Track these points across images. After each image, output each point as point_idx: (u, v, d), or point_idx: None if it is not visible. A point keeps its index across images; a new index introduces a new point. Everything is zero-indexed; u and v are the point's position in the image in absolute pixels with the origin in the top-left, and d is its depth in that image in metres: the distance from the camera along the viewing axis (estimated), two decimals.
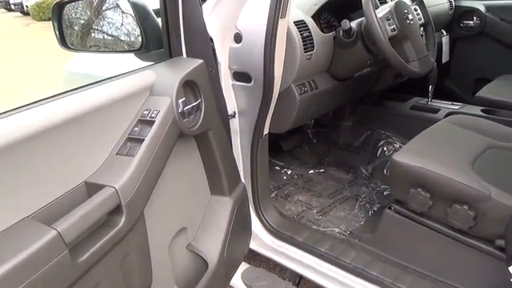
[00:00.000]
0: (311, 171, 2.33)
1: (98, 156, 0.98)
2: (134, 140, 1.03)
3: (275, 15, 1.45)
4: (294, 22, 1.59)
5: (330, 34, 1.72)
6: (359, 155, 2.27)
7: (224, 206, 1.45)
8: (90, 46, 1.36)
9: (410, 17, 1.68)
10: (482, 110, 2.08)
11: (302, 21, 1.62)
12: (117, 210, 0.93)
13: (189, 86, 1.20)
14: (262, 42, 1.50)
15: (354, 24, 1.67)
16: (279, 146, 2.35)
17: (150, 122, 1.06)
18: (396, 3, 1.67)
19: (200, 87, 1.24)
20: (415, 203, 1.47)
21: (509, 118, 1.94)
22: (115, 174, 0.96)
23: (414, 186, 1.46)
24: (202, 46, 1.43)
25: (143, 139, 1.03)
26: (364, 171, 2.21)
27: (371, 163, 2.21)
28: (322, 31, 1.71)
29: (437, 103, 2.23)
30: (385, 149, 2.19)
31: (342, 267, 1.62)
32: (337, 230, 1.81)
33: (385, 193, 2.05)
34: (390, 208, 1.60)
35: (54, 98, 0.92)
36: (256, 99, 1.64)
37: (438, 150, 1.56)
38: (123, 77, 1.11)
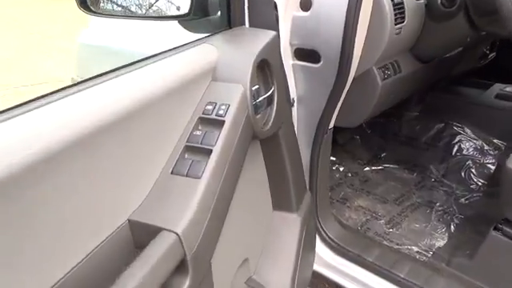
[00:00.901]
0: (367, 168, 1.97)
1: (144, 177, 0.64)
2: (197, 150, 0.68)
3: None
4: None
5: (422, 0, 1.33)
6: (428, 152, 1.90)
7: (291, 226, 1.12)
8: (118, 9, 1.00)
9: None
10: None
11: None
12: (180, 268, 0.59)
13: (260, 68, 0.84)
14: (341, 10, 1.13)
15: None
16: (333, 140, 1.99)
17: (218, 123, 0.71)
18: None
19: (273, 70, 0.89)
20: None
21: None
22: (174, 207, 0.61)
23: None
24: (267, 13, 1.06)
25: (211, 150, 0.68)
26: (435, 171, 1.85)
27: (444, 162, 1.84)
28: None
29: None
30: (462, 146, 1.82)
31: None
32: (415, 248, 1.47)
33: (463, 200, 1.69)
34: (497, 229, 1.24)
35: (66, 91, 0.57)
36: (324, 84, 1.28)
37: None
38: (170, 54, 0.76)
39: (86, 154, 0.53)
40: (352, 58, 1.20)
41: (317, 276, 1.51)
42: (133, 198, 0.62)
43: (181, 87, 0.70)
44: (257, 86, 0.82)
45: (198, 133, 0.70)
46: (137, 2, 1.04)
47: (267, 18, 1.06)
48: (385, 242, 1.51)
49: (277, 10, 1.18)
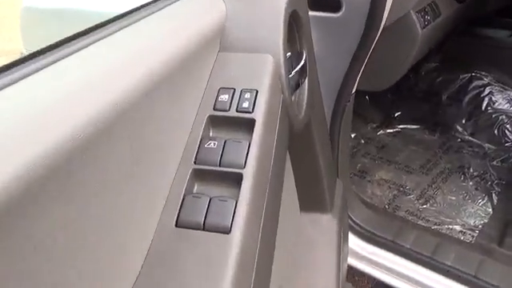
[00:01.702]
0: (380, 131, 1.72)
1: (133, 236, 0.36)
2: (215, 177, 0.40)
3: None
4: None
5: None
6: (452, 108, 1.65)
7: (327, 231, 0.87)
8: None
9: None
10: None
11: None
12: None
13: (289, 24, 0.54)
14: None
15: None
16: None
17: (245, 125, 0.42)
18: None
19: (304, 27, 0.59)
20: None
21: None
22: None
23: None
24: None
25: (240, 175, 0.39)
26: (461, 130, 1.61)
27: (472, 119, 1.60)
28: None
29: None
30: (493, 99, 1.57)
31: None
32: (457, 227, 1.25)
33: (499, 162, 1.47)
34: None
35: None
36: (347, 38, 1.00)
37: None
38: (147, 14, 0.45)
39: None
40: (386, 2, 0.91)
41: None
42: (118, 272, 0.34)
43: (170, 67, 0.40)
44: (289, 54, 0.53)
45: (212, 144, 0.42)
46: None
47: None
48: (420, 222, 1.28)
49: None
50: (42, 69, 0.32)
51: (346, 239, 1.04)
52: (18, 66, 0.31)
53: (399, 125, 1.74)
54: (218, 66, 0.46)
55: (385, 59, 1.06)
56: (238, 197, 0.38)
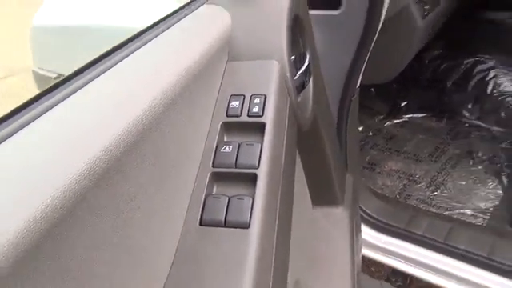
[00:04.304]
0: (388, 122, 1.74)
1: (162, 236, 0.39)
2: (232, 178, 0.43)
3: None
4: None
5: None
6: (457, 94, 1.66)
7: (339, 223, 0.89)
8: None
9: None
10: None
11: None
12: None
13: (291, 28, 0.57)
14: None
15: None
16: None
17: (256, 128, 0.45)
18: None
19: (306, 30, 0.62)
20: None
21: None
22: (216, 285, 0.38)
23: None
24: None
25: (255, 174, 0.42)
26: (468, 115, 1.62)
27: (478, 103, 1.61)
28: None
29: None
30: (499, 81, 1.58)
31: (501, 272, 1.10)
32: (468, 211, 1.27)
33: (508, 144, 1.48)
34: None
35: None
36: (348, 35, 1.02)
37: None
38: (159, 30, 0.48)
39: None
40: None
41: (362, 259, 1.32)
42: (150, 273, 0.38)
43: (183, 81, 0.43)
44: (293, 57, 0.56)
45: (228, 149, 0.45)
46: None
47: None
48: (431, 209, 1.30)
49: None
50: (77, 90, 0.35)
51: (358, 231, 1.06)
52: (53, 92, 0.35)
53: (406, 114, 1.75)
54: (228, 75, 0.49)
55: (387, 51, 1.08)
56: (254, 194, 0.41)
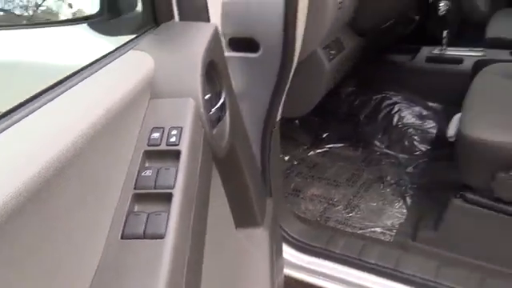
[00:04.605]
0: (311, 152, 1.90)
1: (85, 250, 0.46)
2: (152, 198, 0.51)
3: None
4: None
5: None
6: (369, 126, 1.87)
7: (259, 242, 0.99)
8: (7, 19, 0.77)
9: None
10: (511, 53, 1.76)
11: None
12: None
13: (206, 71, 0.68)
14: None
15: None
16: None
17: (172, 155, 0.54)
18: None
19: (222, 71, 0.73)
20: (506, 190, 1.11)
21: None
22: None
23: (504, 169, 1.09)
24: (196, 2, 0.89)
25: (170, 194, 0.51)
26: (379, 144, 1.82)
27: (387, 134, 1.82)
28: None
29: (453, 51, 1.87)
30: (402, 115, 1.81)
31: (405, 282, 1.25)
32: (378, 229, 1.42)
33: (411, 169, 1.69)
34: (458, 196, 1.23)
35: None
36: (267, 75, 1.15)
37: (510, 114, 1.20)
38: (87, 73, 0.56)
39: None
40: (295, 41, 1.08)
41: (285, 279, 1.41)
42: (72, 285, 0.44)
43: (110, 116, 0.52)
44: (209, 95, 0.66)
45: (148, 173, 0.53)
46: (23, 4, 0.81)
47: (197, 8, 0.89)
48: (348, 229, 1.45)
49: None
50: (14, 124, 0.42)
51: (279, 252, 1.16)
52: None
53: (327, 144, 1.93)
54: (150, 111, 0.58)
55: (301, 90, 1.23)
56: (169, 210, 0.50)
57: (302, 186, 1.68)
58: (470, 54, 1.81)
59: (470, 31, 2.16)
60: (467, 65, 1.74)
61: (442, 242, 1.29)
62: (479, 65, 1.62)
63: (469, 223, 1.23)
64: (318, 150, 1.90)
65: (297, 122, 2.01)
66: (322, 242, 1.38)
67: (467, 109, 1.25)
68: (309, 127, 2.00)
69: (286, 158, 1.86)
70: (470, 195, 1.20)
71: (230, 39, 1.14)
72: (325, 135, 1.96)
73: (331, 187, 1.66)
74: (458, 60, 1.80)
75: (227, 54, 1.17)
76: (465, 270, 1.22)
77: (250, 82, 1.18)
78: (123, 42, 0.69)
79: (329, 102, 1.98)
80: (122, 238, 0.48)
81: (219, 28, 1.11)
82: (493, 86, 1.37)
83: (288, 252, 1.38)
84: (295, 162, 1.84)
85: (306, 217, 1.51)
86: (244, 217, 0.95)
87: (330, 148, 1.90)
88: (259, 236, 0.99)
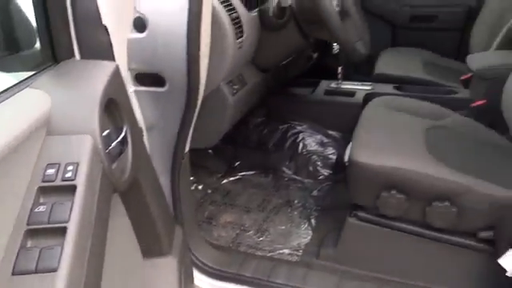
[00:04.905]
0: (224, 180, 1.97)
1: None
2: (45, 233, 0.53)
3: None
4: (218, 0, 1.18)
5: (255, 12, 1.36)
6: (277, 154, 1.99)
7: (167, 271, 1.02)
8: None
9: None
10: (394, 88, 2.01)
11: None
12: None
13: (106, 108, 0.72)
14: (181, 28, 1.06)
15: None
16: None
17: (68, 190, 0.57)
18: None
19: (122, 108, 0.77)
20: (389, 207, 1.26)
21: (420, 93, 1.91)
22: None
23: (386, 189, 1.24)
24: (99, 40, 0.93)
25: (64, 227, 0.53)
26: (287, 171, 1.95)
27: (293, 161, 1.96)
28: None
29: (348, 85, 2.09)
30: (306, 143, 1.96)
31: None
32: (286, 251, 1.51)
33: (316, 192, 1.83)
34: (351, 215, 1.37)
35: None
36: (174, 108, 1.20)
37: (394, 141, 1.38)
38: None
39: None
40: (199, 77, 1.15)
41: None
42: None
43: (3, 153, 0.53)
44: (107, 131, 0.70)
45: (42, 208, 0.55)
46: None
47: (100, 46, 0.93)
48: (258, 253, 1.51)
49: (109, 34, 1.05)
50: None
51: (189, 279, 1.19)
52: None
53: (240, 172, 2.01)
54: (45, 148, 0.60)
55: (208, 121, 1.30)
56: (63, 244, 0.52)
57: (215, 214, 1.73)
58: (360, 88, 2.05)
59: (364, 66, 2.46)
60: (359, 97, 1.97)
61: (341, 258, 1.41)
62: (368, 97, 1.84)
63: (362, 239, 1.37)
64: (231, 178, 1.97)
65: (210, 151, 2.07)
66: (234, 267, 1.43)
67: (356, 137, 1.41)
68: (222, 156, 2.08)
69: (200, 187, 1.90)
70: (361, 213, 1.34)
71: (136, 74, 1.18)
72: (237, 163, 2.05)
73: (243, 213, 1.73)
74: (351, 93, 2.02)
75: (134, 88, 1.21)
76: (362, 282, 1.34)
77: (158, 115, 1.23)
78: (21, 79, 0.70)
79: (240, 131, 2.09)
80: (12, 274, 0.49)
81: (124, 64, 1.16)
82: (377, 116, 1.56)
83: (200, 279, 1.41)
84: (209, 191, 1.89)
85: (218, 243, 1.55)
86: (151, 246, 0.97)
87: (242, 176, 1.98)
88: (167, 264, 1.01)
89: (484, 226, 1.22)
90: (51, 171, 0.57)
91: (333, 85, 2.10)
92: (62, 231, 0.53)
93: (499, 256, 1.16)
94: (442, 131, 1.49)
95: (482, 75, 1.69)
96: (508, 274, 1.15)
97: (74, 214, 0.54)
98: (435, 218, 1.23)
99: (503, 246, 1.17)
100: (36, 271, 0.49)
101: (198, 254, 1.44)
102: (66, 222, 0.53)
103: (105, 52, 0.95)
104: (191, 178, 1.89)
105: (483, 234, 1.22)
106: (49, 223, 0.53)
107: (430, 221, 1.24)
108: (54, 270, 0.50)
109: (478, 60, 1.76)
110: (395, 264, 1.35)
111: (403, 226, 1.29)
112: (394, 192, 1.23)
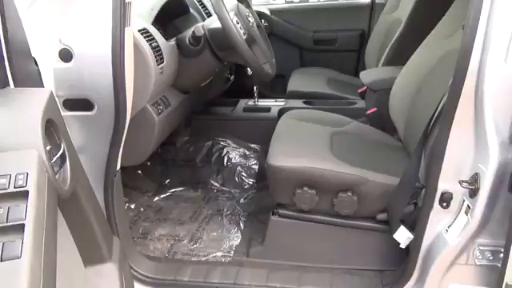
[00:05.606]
0: (156, 198, 2.06)
1: None
2: (6, 230, 0.63)
3: (120, 23, 1.16)
4: (139, 31, 1.32)
5: (173, 41, 1.51)
6: (204, 168, 2.14)
7: (109, 277, 1.10)
8: None
9: (251, 20, 1.65)
10: (303, 102, 2.27)
11: (145, 29, 1.36)
12: None
13: (46, 128, 0.82)
14: (106, 57, 1.19)
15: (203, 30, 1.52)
16: None
17: (21, 194, 0.67)
18: (238, 6, 1.61)
19: (59, 128, 0.88)
20: (303, 203, 1.46)
21: (325, 105, 2.19)
22: None
23: (299, 187, 1.44)
24: (30, 70, 1.03)
25: (23, 224, 0.64)
26: (215, 184, 2.10)
27: (220, 174, 2.11)
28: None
29: (263, 102, 2.31)
30: (230, 156, 2.13)
31: None
32: (219, 253, 1.65)
33: (243, 200, 2.00)
34: (274, 214, 1.55)
35: None
36: (103, 130, 1.31)
37: (303, 146, 1.59)
38: None
39: None
40: (126, 100, 1.27)
41: None
42: None
43: None
44: (49, 147, 0.80)
45: (1, 211, 0.65)
46: None
47: (31, 75, 1.03)
48: (193, 259, 1.63)
49: (37, 65, 1.14)
50: None
51: (131, 285, 1.28)
52: None
53: (170, 189, 2.12)
54: None
55: (136, 140, 1.41)
56: (23, 237, 0.62)
57: (149, 229, 1.82)
58: (275, 104, 2.29)
59: (278, 85, 2.73)
60: (274, 112, 2.20)
61: (268, 254, 1.58)
62: (282, 111, 2.07)
63: (284, 234, 1.56)
64: (163, 195, 2.08)
65: (140, 172, 2.16)
66: (171, 274, 1.53)
67: (272, 145, 1.61)
68: (152, 176, 2.18)
69: (133, 206, 1.98)
70: (281, 211, 1.53)
71: (64, 100, 1.27)
72: (167, 181, 2.16)
73: (176, 225, 1.84)
74: (267, 109, 2.25)
75: (63, 113, 1.30)
76: (287, 271, 1.52)
77: (88, 137, 1.32)
78: None
79: (168, 150, 2.21)
80: None
81: (53, 91, 1.25)
82: (290, 127, 1.78)
83: None
84: (142, 209, 1.97)
85: (155, 255, 1.64)
86: (91, 254, 1.05)
87: (173, 192, 2.09)
88: (108, 271, 1.10)
89: (380, 210, 1.46)
90: (3, 181, 0.67)
91: (250, 102, 2.32)
92: (21, 227, 0.63)
93: (393, 232, 1.41)
94: (344, 136, 1.75)
95: (372, 87, 2.00)
96: (401, 246, 1.39)
97: (30, 214, 0.64)
98: (341, 206, 1.45)
99: (396, 223, 1.42)
100: (2, 260, 0.59)
101: (136, 266, 1.52)
102: (24, 220, 0.63)
103: (35, 81, 1.04)
104: (124, 199, 1.97)
105: (380, 216, 1.47)
106: (7, 222, 0.63)
107: (338, 210, 1.46)
108: (18, 258, 0.59)
109: (368, 75, 2.08)
110: (314, 251, 1.55)
111: (317, 217, 1.50)
112: (306, 188, 1.44)
